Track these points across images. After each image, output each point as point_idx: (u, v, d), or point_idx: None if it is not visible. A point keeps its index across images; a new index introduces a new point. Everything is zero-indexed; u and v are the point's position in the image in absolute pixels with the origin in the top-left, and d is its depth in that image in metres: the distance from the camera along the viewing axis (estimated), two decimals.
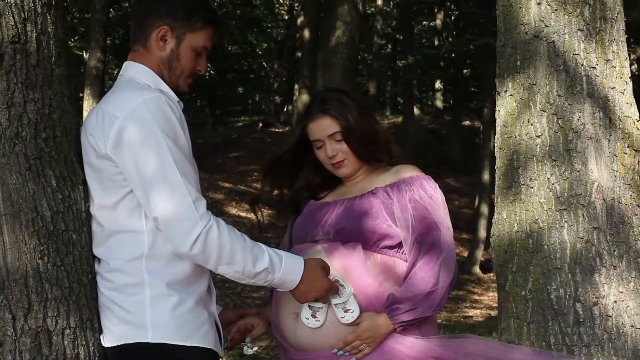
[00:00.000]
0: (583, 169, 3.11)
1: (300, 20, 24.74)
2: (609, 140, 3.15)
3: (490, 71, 18.70)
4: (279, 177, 3.08)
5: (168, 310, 2.47)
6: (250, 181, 20.21)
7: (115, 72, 28.36)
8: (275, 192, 3.12)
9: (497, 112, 3.37)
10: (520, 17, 3.26)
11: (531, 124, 3.20)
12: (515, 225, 3.20)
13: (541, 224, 3.13)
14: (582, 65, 3.17)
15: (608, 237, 3.08)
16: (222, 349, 2.71)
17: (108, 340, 2.54)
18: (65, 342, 2.46)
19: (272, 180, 3.08)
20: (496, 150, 3.36)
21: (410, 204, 2.84)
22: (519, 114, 3.24)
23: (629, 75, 3.27)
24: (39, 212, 2.44)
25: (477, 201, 19.26)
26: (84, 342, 2.51)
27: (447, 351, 2.74)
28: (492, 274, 15.05)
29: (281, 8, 33.27)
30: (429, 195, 2.88)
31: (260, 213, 3.13)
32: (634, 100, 3.27)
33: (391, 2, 32.17)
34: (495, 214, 3.33)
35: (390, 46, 36.28)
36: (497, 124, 3.38)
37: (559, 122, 3.15)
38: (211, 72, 26.37)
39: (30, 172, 2.43)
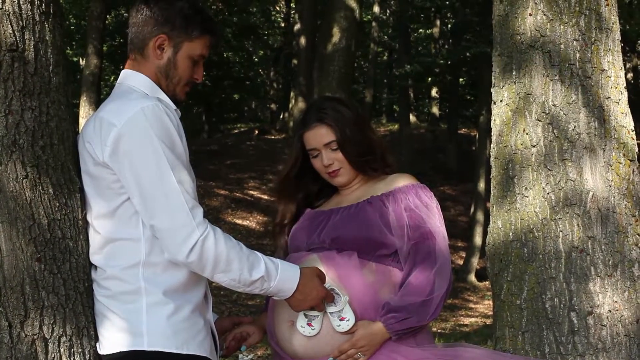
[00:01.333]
0: (578, 179, 3.12)
1: (296, 27, 24.77)
2: (604, 150, 3.17)
3: (486, 79, 18.69)
4: (287, 191, 3.08)
5: (164, 317, 2.47)
6: (246, 188, 20.22)
7: (112, 78, 28.38)
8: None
9: (492, 121, 3.39)
10: (516, 27, 3.28)
11: (526, 133, 3.21)
12: (511, 234, 3.21)
13: (536, 233, 3.14)
14: (577, 75, 3.19)
15: (603, 247, 3.09)
16: (218, 357, 2.71)
17: (104, 348, 2.53)
18: (62, 350, 2.46)
19: (287, 197, 3.09)
20: (492, 159, 3.37)
21: (405, 212, 2.85)
22: (514, 123, 3.26)
23: (624, 85, 3.29)
24: (36, 220, 2.45)
25: (472, 209, 19.29)
26: (80, 350, 2.51)
27: (442, 359, 2.75)
28: (487, 282, 15.07)
29: (278, 15, 33.32)
30: (424, 204, 2.88)
31: (284, 239, 3.12)
32: (629, 110, 3.28)
33: (388, 10, 32.23)
34: (491, 222, 3.34)
35: (386, 54, 36.35)
36: (492, 133, 3.39)
37: (554, 131, 3.17)
38: (207, 81, 26.36)
39: (27, 179, 2.44)
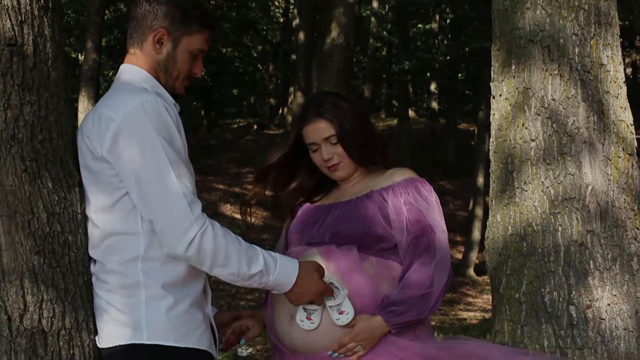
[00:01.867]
0: (577, 173, 3.13)
1: (295, 22, 24.77)
2: (603, 144, 3.17)
3: (485, 74, 18.68)
4: (273, 179, 3.09)
5: (163, 311, 2.48)
6: (245, 183, 20.21)
7: (111, 73, 28.35)
8: (270, 194, 3.14)
9: (491, 116, 3.39)
10: (515, 22, 3.28)
11: (526, 128, 3.21)
12: (510, 228, 3.22)
13: (535, 227, 3.14)
14: (576, 69, 3.19)
15: (602, 241, 3.09)
16: (217, 351, 2.71)
17: (103, 341, 2.54)
18: (61, 343, 2.47)
19: (264, 182, 3.10)
20: (491, 153, 3.37)
21: (405, 206, 2.85)
22: (513, 118, 3.26)
23: (623, 79, 3.29)
24: (35, 214, 2.45)
25: (471, 204, 19.29)
26: (79, 343, 2.51)
27: (441, 353, 2.75)
28: (486, 277, 15.07)
29: (276, 10, 33.29)
30: (423, 198, 2.88)
31: (250, 216, 3.15)
32: (628, 105, 3.28)
33: (386, 5, 32.20)
34: (490, 217, 3.34)
35: (385, 49, 36.33)
36: (491, 128, 3.39)
37: (554, 125, 3.17)
38: (206, 76, 26.31)
39: (26, 174, 2.44)
